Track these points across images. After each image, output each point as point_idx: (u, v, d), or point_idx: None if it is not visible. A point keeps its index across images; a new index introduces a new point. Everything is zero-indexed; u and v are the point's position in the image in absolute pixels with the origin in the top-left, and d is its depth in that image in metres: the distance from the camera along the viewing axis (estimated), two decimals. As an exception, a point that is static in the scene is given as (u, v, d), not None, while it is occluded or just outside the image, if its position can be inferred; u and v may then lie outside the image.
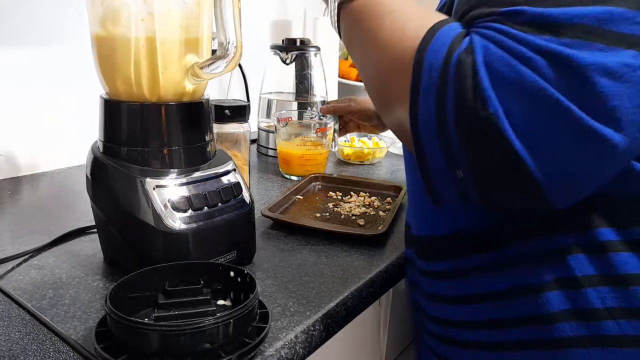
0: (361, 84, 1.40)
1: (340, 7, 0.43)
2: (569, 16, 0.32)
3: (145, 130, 0.50)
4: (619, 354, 0.41)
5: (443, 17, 0.38)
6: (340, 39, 0.45)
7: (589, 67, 0.31)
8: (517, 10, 0.33)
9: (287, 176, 0.92)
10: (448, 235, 0.48)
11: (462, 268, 0.47)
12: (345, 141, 1.07)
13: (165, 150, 0.50)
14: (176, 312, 0.42)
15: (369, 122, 0.95)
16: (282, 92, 1.14)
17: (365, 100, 0.94)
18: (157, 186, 0.48)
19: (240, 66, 1.16)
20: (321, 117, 0.96)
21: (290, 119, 0.94)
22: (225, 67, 0.50)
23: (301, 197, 0.79)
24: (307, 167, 0.90)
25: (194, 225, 0.49)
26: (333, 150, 0.98)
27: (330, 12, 0.45)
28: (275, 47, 1.07)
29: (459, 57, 0.34)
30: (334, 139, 0.95)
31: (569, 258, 0.42)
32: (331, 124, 0.93)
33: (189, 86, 0.51)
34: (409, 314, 0.69)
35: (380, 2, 0.41)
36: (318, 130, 0.91)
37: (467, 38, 0.35)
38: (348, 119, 0.96)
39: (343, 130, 0.98)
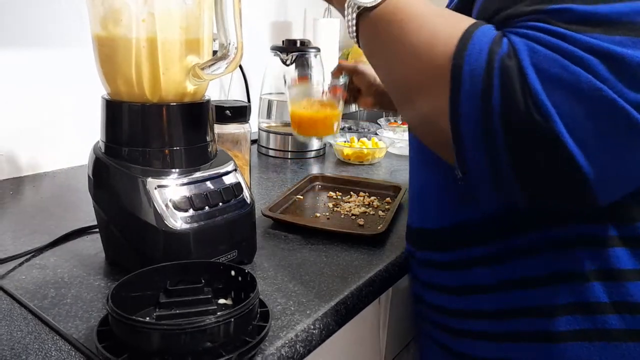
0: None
1: (359, 17, 0.42)
2: (618, 13, 0.31)
3: (147, 130, 0.50)
4: (624, 348, 0.41)
5: (470, 20, 0.37)
6: (359, 47, 0.44)
7: None
8: (564, 8, 0.32)
9: (299, 137, 0.88)
10: (451, 226, 0.49)
11: (464, 259, 0.48)
12: (345, 141, 1.07)
13: (166, 151, 0.51)
14: (177, 311, 0.42)
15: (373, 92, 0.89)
16: (282, 93, 1.14)
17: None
18: (159, 186, 0.49)
19: (240, 67, 1.16)
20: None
21: (306, 78, 0.91)
22: (226, 68, 0.50)
23: (301, 197, 0.79)
24: (318, 129, 0.88)
25: (195, 225, 0.49)
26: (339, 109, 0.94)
27: (348, 22, 0.43)
28: (275, 48, 1.08)
29: (502, 61, 0.33)
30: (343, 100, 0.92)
31: (571, 251, 0.42)
32: (342, 83, 0.90)
33: (190, 87, 0.52)
34: (410, 308, 0.69)
35: (402, 9, 0.39)
36: (326, 91, 0.88)
37: (505, 40, 0.34)
38: (355, 88, 0.90)
39: (352, 98, 0.94)
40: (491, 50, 0.34)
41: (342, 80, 0.91)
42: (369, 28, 0.41)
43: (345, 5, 0.42)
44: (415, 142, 0.55)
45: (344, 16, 0.43)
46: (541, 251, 0.43)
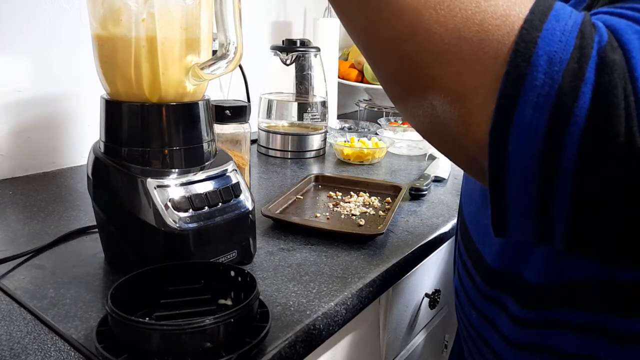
0: (362, 84, 1.40)
1: None
2: None
3: (146, 130, 0.50)
4: None
5: None
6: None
7: None
8: None
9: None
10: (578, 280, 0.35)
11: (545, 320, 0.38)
12: (345, 141, 1.07)
13: (166, 151, 0.50)
14: (177, 312, 0.42)
15: None
16: (282, 93, 1.14)
17: None
18: (158, 186, 0.49)
19: (240, 67, 1.16)
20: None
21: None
22: (226, 67, 0.50)
23: (301, 197, 0.79)
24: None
25: (195, 225, 0.49)
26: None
27: None
28: (275, 48, 1.08)
29: (604, 51, 0.22)
30: None
31: None
32: None
33: (189, 87, 0.52)
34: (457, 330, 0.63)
35: None
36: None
37: (600, 24, 0.23)
38: None
39: None
40: (582, 35, 0.22)
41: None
42: None
43: None
44: None
45: None
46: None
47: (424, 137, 0.31)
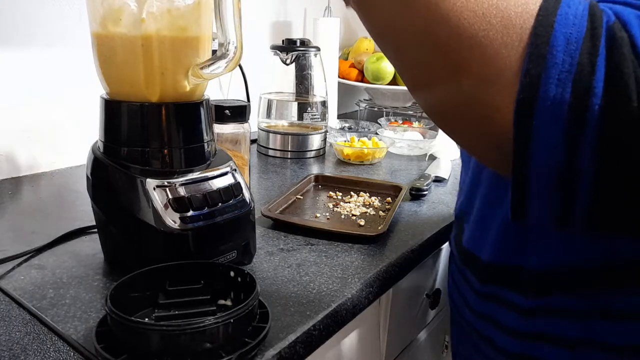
0: (362, 84, 1.39)
1: None
2: None
3: (146, 130, 0.50)
4: None
5: None
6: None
7: None
8: None
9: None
10: (578, 266, 0.38)
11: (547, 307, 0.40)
12: (345, 141, 1.07)
13: (165, 151, 0.50)
14: (176, 312, 0.42)
15: None
16: (282, 93, 1.14)
17: None
18: (158, 186, 0.49)
19: (240, 66, 1.16)
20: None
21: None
22: (226, 67, 0.50)
23: (301, 197, 0.79)
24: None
25: (195, 225, 0.49)
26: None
27: None
28: (275, 48, 1.07)
29: (613, 29, 0.24)
30: None
31: None
32: None
33: (189, 86, 0.52)
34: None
35: None
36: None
37: (608, 9, 0.26)
38: None
39: None
40: (593, 15, 0.25)
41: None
42: None
43: None
44: None
45: None
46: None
47: (444, 125, 0.32)
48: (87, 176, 0.53)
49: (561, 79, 0.24)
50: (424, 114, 1.08)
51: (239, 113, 0.71)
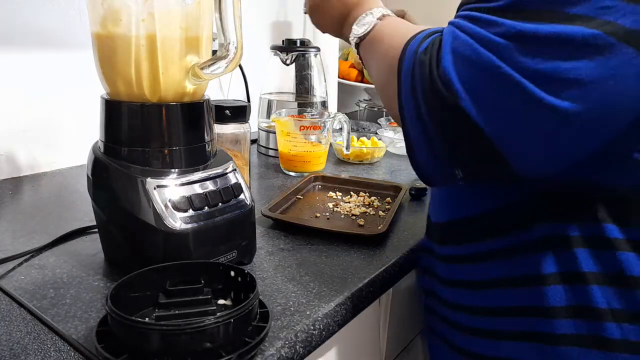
0: (362, 84, 1.40)
1: (357, 45, 0.57)
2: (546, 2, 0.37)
3: (146, 130, 0.50)
4: (617, 359, 0.41)
5: (418, 29, 0.47)
6: (362, 64, 0.58)
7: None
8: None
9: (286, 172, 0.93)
10: (463, 219, 0.51)
11: (475, 252, 0.49)
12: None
13: (165, 151, 0.50)
14: (177, 312, 0.42)
15: None
16: (282, 93, 1.14)
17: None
18: (158, 186, 0.49)
19: (240, 66, 1.16)
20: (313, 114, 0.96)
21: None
22: (226, 67, 0.50)
23: (301, 197, 0.79)
24: (296, 164, 0.92)
25: (195, 225, 0.49)
26: (346, 152, 0.98)
27: (353, 47, 0.58)
28: (275, 48, 1.08)
29: (419, 56, 0.42)
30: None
31: (575, 251, 0.42)
32: (330, 123, 0.92)
33: (189, 86, 0.52)
34: (417, 304, 0.69)
35: (380, 34, 0.53)
36: (304, 127, 0.90)
37: (430, 39, 0.43)
38: None
39: None
40: (415, 51, 0.43)
41: (331, 119, 0.92)
42: (362, 50, 0.56)
43: (350, 37, 0.57)
44: None
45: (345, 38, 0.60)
46: (545, 249, 0.43)
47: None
48: (88, 176, 0.53)
49: (408, 91, 0.43)
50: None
51: (239, 113, 0.72)
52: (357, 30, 0.55)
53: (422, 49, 0.42)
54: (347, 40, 0.59)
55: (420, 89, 0.41)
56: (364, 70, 1.39)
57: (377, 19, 0.54)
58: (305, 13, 0.69)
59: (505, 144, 0.38)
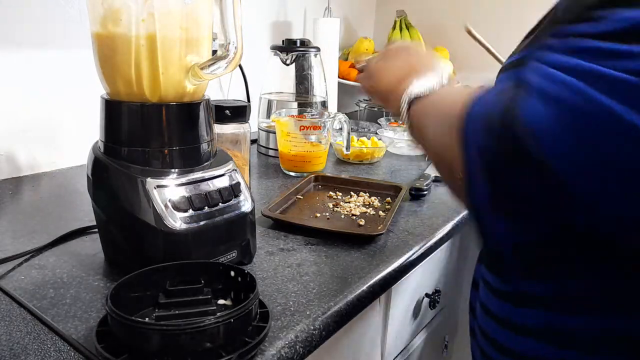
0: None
1: (408, 111, 0.52)
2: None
3: (146, 130, 0.50)
4: None
5: (469, 90, 0.42)
6: (410, 130, 0.53)
7: None
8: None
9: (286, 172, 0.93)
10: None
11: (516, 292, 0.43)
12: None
13: (165, 150, 0.50)
14: (177, 312, 0.42)
15: None
16: (282, 93, 1.14)
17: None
18: (158, 186, 0.49)
19: (240, 67, 1.16)
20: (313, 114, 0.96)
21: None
22: (226, 67, 0.50)
23: (301, 197, 0.79)
24: (296, 164, 0.92)
25: (195, 225, 0.49)
26: (346, 153, 0.98)
27: (402, 113, 0.53)
28: (275, 48, 1.08)
29: (500, 122, 0.35)
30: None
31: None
32: (330, 123, 0.92)
33: (189, 86, 0.52)
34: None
35: (431, 99, 0.49)
36: (304, 127, 0.90)
37: (507, 97, 0.35)
38: None
39: None
40: (488, 115, 0.36)
41: (331, 119, 0.92)
42: (415, 115, 0.50)
43: (402, 97, 0.51)
44: None
45: (392, 107, 0.54)
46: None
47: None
48: (88, 176, 0.53)
49: (476, 138, 0.37)
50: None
51: (239, 113, 0.72)
52: (419, 87, 0.50)
53: (493, 95, 0.36)
54: (394, 107, 0.54)
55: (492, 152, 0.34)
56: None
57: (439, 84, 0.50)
58: (359, 70, 0.66)
59: (620, 236, 0.29)
